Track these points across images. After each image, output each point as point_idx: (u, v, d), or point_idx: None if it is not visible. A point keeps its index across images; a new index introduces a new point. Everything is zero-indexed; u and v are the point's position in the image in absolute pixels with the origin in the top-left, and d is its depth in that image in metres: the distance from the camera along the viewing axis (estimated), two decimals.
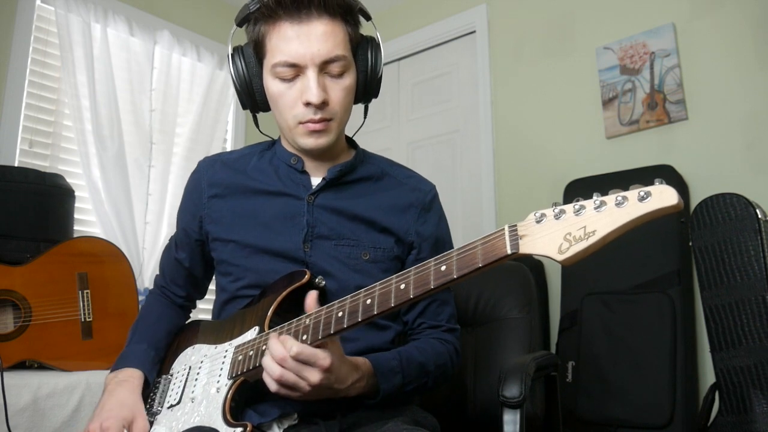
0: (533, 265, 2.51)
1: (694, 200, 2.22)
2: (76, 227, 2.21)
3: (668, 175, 2.19)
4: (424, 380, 1.03)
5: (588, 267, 2.29)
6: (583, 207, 0.66)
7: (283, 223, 1.06)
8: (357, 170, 1.12)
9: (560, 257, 0.66)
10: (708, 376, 2.12)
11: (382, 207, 1.09)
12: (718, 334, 1.91)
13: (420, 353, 1.04)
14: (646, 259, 2.16)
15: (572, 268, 2.36)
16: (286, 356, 0.82)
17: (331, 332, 0.83)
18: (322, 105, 0.99)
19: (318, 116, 0.99)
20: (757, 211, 1.89)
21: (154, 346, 1.12)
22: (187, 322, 1.23)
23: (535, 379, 1.17)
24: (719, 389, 1.90)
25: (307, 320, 0.87)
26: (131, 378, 1.04)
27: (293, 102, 1.00)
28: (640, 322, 2.10)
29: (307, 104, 0.98)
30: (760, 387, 1.80)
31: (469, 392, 1.37)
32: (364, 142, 1.18)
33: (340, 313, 0.83)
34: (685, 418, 1.97)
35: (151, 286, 2.74)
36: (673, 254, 2.13)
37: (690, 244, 2.04)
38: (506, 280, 1.46)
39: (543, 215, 0.69)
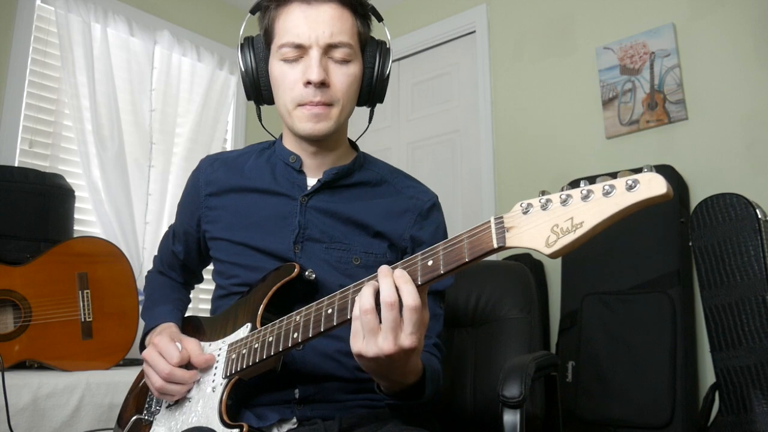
0: (533, 265, 2.51)
1: (694, 200, 2.22)
2: (76, 227, 2.22)
3: (668, 175, 2.19)
4: (436, 391, 0.96)
5: (588, 267, 2.29)
6: (570, 197, 0.63)
7: (276, 223, 1.05)
8: (354, 174, 1.10)
9: (548, 250, 0.63)
10: (708, 376, 2.12)
11: (376, 212, 1.06)
12: (718, 334, 1.91)
13: (438, 362, 1.01)
14: (646, 259, 2.16)
15: (572, 268, 2.37)
16: (397, 302, 0.73)
17: (321, 330, 0.82)
18: (322, 86, 0.98)
19: (317, 98, 0.98)
20: (757, 211, 1.89)
21: (178, 308, 1.15)
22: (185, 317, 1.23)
23: (535, 379, 1.16)
24: (719, 389, 1.90)
25: (298, 317, 0.86)
26: (170, 327, 1.06)
27: (293, 83, 0.99)
28: (640, 322, 2.10)
29: (307, 84, 0.97)
30: (760, 387, 1.81)
31: (469, 392, 1.37)
32: (364, 142, 1.18)
33: (330, 310, 0.82)
34: (685, 418, 1.97)
35: None
36: (673, 254, 2.13)
37: (690, 244, 2.04)
38: (506, 280, 1.46)
39: (529, 206, 0.66)
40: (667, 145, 2.38)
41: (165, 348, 0.96)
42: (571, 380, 2.19)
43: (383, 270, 0.76)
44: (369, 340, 0.75)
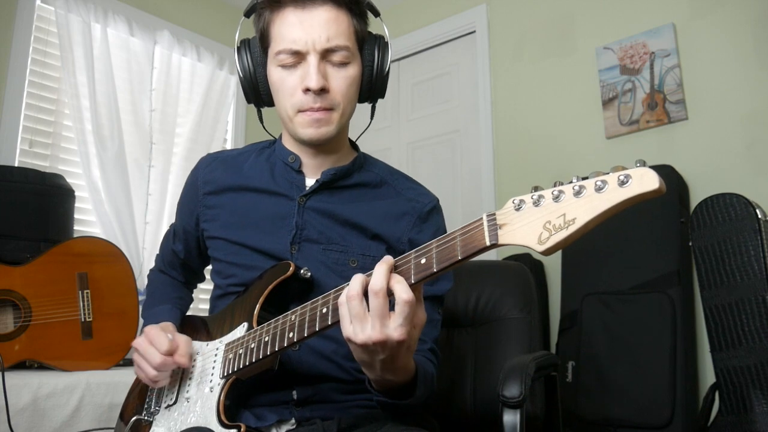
0: (533, 265, 2.51)
1: (694, 200, 2.22)
2: (76, 227, 2.22)
3: (668, 175, 2.19)
4: (428, 395, 0.96)
5: (588, 267, 2.29)
6: (562, 192, 0.63)
7: (273, 223, 1.05)
8: (353, 175, 1.09)
9: (540, 248, 0.63)
10: (708, 376, 2.12)
11: (375, 214, 1.06)
12: (718, 334, 1.91)
13: (433, 366, 1.01)
14: (646, 259, 2.16)
15: (572, 268, 2.37)
16: (383, 290, 0.74)
17: (316, 329, 0.81)
18: (322, 92, 0.97)
19: (318, 104, 0.98)
20: (757, 211, 1.89)
21: (177, 306, 1.16)
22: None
23: (535, 379, 1.16)
24: (719, 389, 1.90)
25: (293, 317, 0.86)
26: (167, 326, 1.07)
27: (293, 89, 0.98)
28: (640, 322, 2.10)
29: (306, 90, 0.97)
30: (760, 387, 1.81)
31: (469, 392, 1.37)
32: (364, 142, 1.17)
33: (324, 310, 0.81)
34: (685, 418, 1.97)
35: None
36: (673, 254, 2.13)
37: (690, 244, 2.04)
38: (506, 280, 1.46)
39: (522, 202, 0.66)
40: (667, 145, 2.37)
41: (155, 336, 0.97)
42: (571, 380, 2.19)
43: (385, 258, 0.76)
44: (356, 326, 0.75)
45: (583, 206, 0.61)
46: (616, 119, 2.50)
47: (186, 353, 0.97)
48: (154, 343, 0.96)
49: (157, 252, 1.29)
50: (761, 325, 1.82)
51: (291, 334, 0.84)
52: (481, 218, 0.69)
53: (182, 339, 0.99)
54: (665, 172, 2.22)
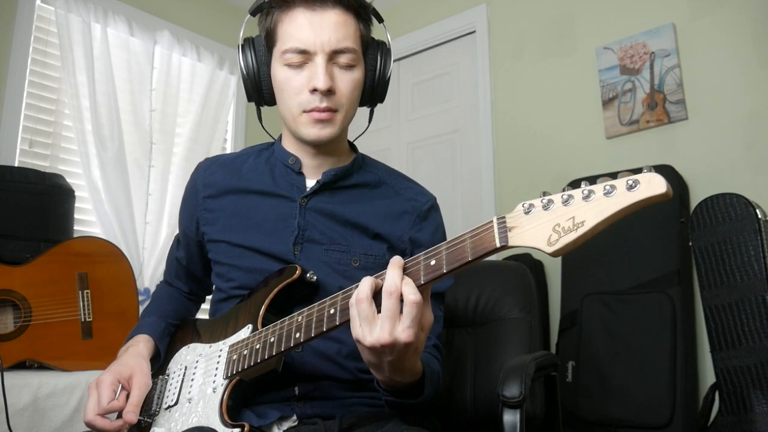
0: (533, 265, 2.51)
1: (694, 200, 2.22)
2: (76, 227, 2.22)
3: (668, 175, 2.19)
4: (434, 392, 0.96)
5: (588, 267, 2.29)
6: (571, 197, 0.64)
7: (275, 225, 1.05)
8: (353, 176, 1.10)
9: (549, 249, 0.64)
10: (708, 376, 2.12)
11: (375, 214, 1.07)
12: (718, 334, 1.91)
13: (438, 363, 1.02)
14: (646, 259, 2.16)
15: (572, 268, 2.37)
16: (397, 292, 0.74)
17: (324, 330, 0.82)
18: (328, 93, 0.98)
19: (324, 104, 0.98)
20: (757, 211, 1.89)
21: (164, 318, 1.15)
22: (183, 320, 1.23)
23: (535, 379, 1.17)
24: (719, 389, 1.90)
25: (300, 318, 0.86)
26: (137, 342, 1.07)
27: (299, 89, 0.99)
28: (640, 322, 2.10)
29: (314, 91, 0.98)
30: (760, 387, 1.81)
31: (469, 392, 1.37)
32: (364, 143, 1.17)
33: (332, 310, 0.82)
34: (685, 418, 1.97)
35: (151, 286, 2.76)
36: (673, 254, 2.13)
37: (690, 244, 2.04)
38: (506, 280, 1.46)
39: (531, 206, 0.67)
40: (667, 145, 2.38)
41: (102, 392, 0.97)
42: (571, 380, 2.19)
43: (395, 260, 0.77)
44: (365, 328, 0.76)
45: (592, 209, 0.63)
46: (616, 119, 2.51)
47: (133, 409, 0.96)
48: (100, 396, 0.96)
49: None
50: (761, 325, 1.82)
51: (298, 335, 0.85)
52: (491, 221, 0.71)
53: (135, 389, 0.98)
54: (665, 172, 2.22)
